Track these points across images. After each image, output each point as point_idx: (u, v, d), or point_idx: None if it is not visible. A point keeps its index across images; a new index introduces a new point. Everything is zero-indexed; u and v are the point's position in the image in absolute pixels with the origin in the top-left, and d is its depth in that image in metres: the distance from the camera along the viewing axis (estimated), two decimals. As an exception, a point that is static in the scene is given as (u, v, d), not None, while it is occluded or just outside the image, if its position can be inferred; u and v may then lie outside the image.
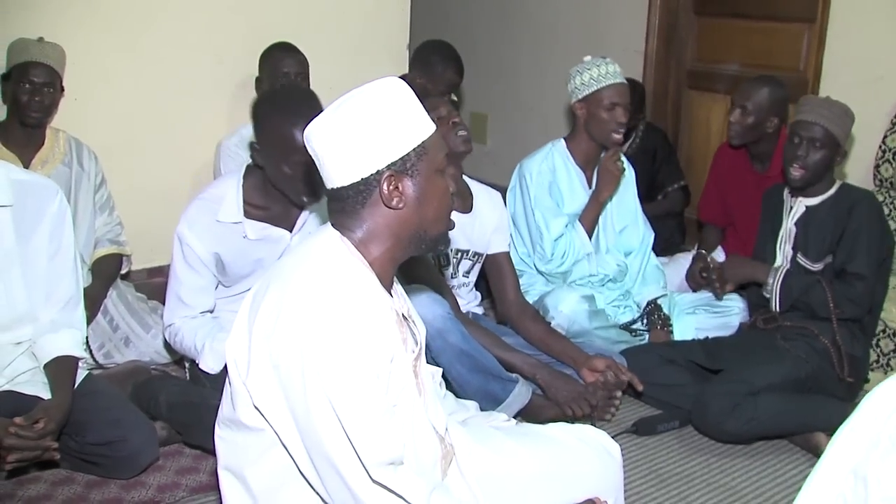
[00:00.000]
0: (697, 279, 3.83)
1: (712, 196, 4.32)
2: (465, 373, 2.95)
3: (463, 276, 3.45)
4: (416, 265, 3.11)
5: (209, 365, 2.90)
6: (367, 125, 1.79)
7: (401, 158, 1.82)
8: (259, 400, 1.80)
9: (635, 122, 4.72)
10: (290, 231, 2.96)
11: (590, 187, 3.80)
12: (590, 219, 3.76)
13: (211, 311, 3.01)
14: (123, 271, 3.75)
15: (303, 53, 3.98)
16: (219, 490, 1.98)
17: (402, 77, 4.44)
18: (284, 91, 3.17)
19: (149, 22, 4.05)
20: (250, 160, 2.92)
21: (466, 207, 3.35)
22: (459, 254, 3.37)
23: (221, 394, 2.66)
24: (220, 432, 1.96)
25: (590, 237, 3.76)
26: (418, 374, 1.99)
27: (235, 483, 1.93)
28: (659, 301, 3.85)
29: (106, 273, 3.60)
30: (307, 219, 2.97)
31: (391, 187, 1.82)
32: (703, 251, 4.05)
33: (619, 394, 3.22)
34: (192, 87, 4.20)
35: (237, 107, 4.17)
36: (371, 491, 1.74)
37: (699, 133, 5.44)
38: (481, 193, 3.44)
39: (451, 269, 3.39)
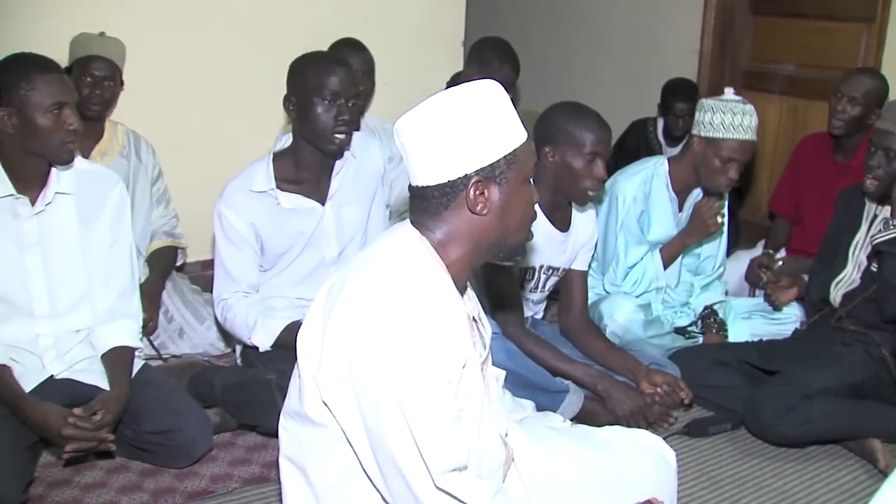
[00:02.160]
0: (756, 277, 3.78)
1: (786, 187, 4.24)
2: (513, 390, 2.92)
3: (546, 290, 3.41)
4: (498, 273, 3.09)
5: (260, 340, 2.95)
6: (461, 128, 1.78)
7: (490, 165, 1.81)
8: (328, 395, 1.79)
9: (688, 124, 4.68)
10: (322, 204, 3.04)
11: (681, 210, 3.67)
12: (670, 255, 3.63)
13: (257, 289, 3.08)
14: (178, 263, 3.81)
15: (369, 51, 3.96)
16: (276, 481, 1.99)
17: (458, 74, 4.48)
18: (319, 51, 3.28)
19: (206, 18, 4.10)
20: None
21: (565, 226, 3.27)
22: (550, 270, 3.31)
23: (275, 371, 2.75)
24: (284, 422, 1.96)
25: (665, 269, 3.65)
26: (485, 377, 1.99)
27: (297, 474, 1.93)
28: (716, 306, 3.80)
29: (162, 265, 3.65)
30: (337, 189, 3.06)
31: (477, 193, 1.81)
32: (770, 251, 4.00)
33: (675, 413, 3.21)
34: (249, 83, 4.24)
35: (293, 102, 4.19)
36: (434, 496, 1.74)
37: (754, 133, 5.39)
38: (580, 212, 3.32)
39: (533, 283, 3.33)
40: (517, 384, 2.92)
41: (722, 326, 3.74)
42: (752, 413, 3.12)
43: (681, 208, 3.69)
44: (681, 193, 3.65)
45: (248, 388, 2.91)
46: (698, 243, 3.74)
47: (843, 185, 3.59)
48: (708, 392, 3.33)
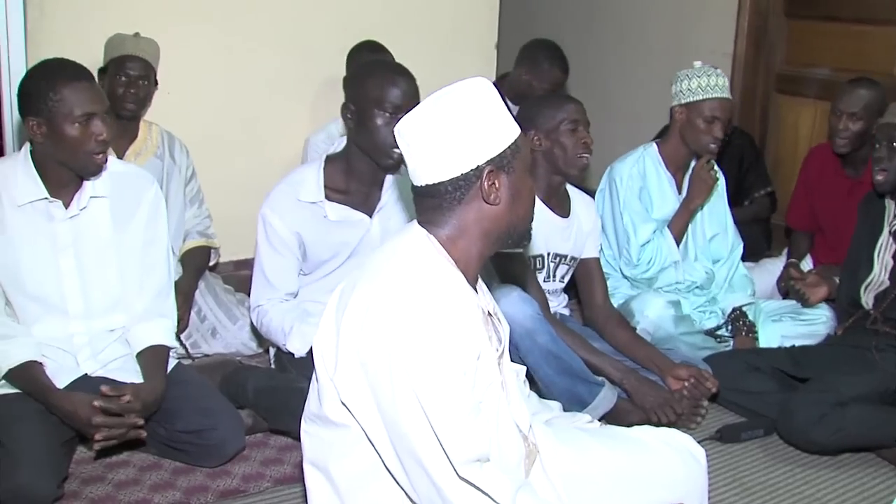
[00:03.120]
0: (788, 287, 3.78)
1: (801, 202, 4.23)
2: (553, 374, 2.95)
3: (559, 280, 3.43)
4: (512, 262, 3.13)
5: (296, 346, 2.95)
6: (468, 121, 1.82)
7: (499, 155, 1.85)
8: (346, 396, 1.82)
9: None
10: (370, 216, 3.01)
11: (680, 192, 3.77)
12: (679, 226, 3.72)
13: (295, 295, 3.07)
14: (212, 263, 3.84)
15: (390, 53, 3.98)
16: (304, 483, 2.01)
17: (506, 74, 4.49)
18: (382, 59, 3.27)
19: (239, 19, 4.12)
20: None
21: (564, 212, 3.34)
22: (558, 258, 3.35)
23: (307, 377, 2.73)
24: (305, 427, 1.98)
25: (678, 244, 3.72)
26: (502, 371, 2.00)
27: (320, 478, 1.95)
28: (745, 308, 3.79)
29: (195, 265, 3.67)
30: (386, 202, 3.03)
31: (490, 182, 1.84)
32: (794, 259, 3.98)
33: (705, 403, 3.20)
34: (281, 83, 4.26)
35: (324, 103, 4.21)
36: (457, 487, 1.75)
37: (787, 138, 5.35)
38: (577, 198, 3.43)
39: (545, 273, 3.36)
40: (558, 369, 2.95)
41: (752, 329, 3.73)
42: (784, 419, 3.09)
43: (679, 189, 3.78)
44: (677, 173, 3.77)
45: (280, 395, 2.92)
46: (700, 209, 3.80)
47: (857, 201, 3.59)
48: (740, 397, 3.32)
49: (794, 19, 5.30)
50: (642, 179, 3.73)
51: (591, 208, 3.50)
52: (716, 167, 3.76)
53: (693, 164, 3.75)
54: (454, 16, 4.68)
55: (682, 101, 3.63)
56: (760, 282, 4.08)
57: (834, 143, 3.88)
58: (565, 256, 3.37)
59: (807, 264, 4.12)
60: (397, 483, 1.86)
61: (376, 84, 2.82)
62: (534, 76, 4.37)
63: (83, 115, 2.54)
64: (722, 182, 3.86)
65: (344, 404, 1.83)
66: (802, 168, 4.28)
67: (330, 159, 3.02)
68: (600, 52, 6.31)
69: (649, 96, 5.69)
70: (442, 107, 1.84)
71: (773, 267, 4.21)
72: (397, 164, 2.90)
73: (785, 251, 4.33)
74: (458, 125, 1.82)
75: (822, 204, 4.09)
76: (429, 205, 1.90)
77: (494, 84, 1.92)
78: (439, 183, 1.86)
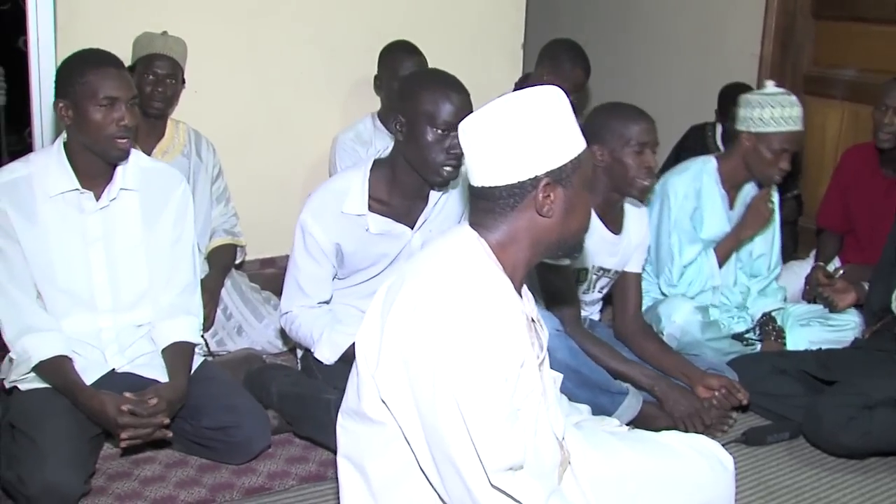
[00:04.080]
0: (815, 293, 3.75)
1: (834, 201, 4.19)
2: (573, 388, 2.90)
3: (598, 292, 3.40)
4: (554, 274, 3.09)
5: (325, 355, 2.93)
6: (532, 130, 1.82)
7: (559, 168, 1.84)
8: (386, 393, 1.82)
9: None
10: (412, 228, 2.98)
11: (731, 208, 3.69)
12: (725, 251, 3.64)
13: (327, 303, 3.05)
14: (238, 261, 3.85)
15: (423, 54, 3.99)
16: (333, 479, 2.01)
17: (528, 75, 4.48)
18: (435, 70, 3.21)
19: (267, 18, 4.13)
20: (369, 155, 2.96)
21: (617, 228, 3.27)
22: (601, 272, 3.31)
23: (333, 387, 2.72)
24: (342, 422, 1.99)
25: (720, 267, 3.66)
26: (542, 377, 2.00)
27: (355, 473, 1.95)
28: (774, 313, 3.76)
29: (221, 263, 3.69)
30: (429, 216, 2.99)
31: (545, 195, 1.84)
32: (821, 262, 3.95)
33: (733, 414, 3.19)
34: (309, 83, 4.28)
35: (353, 102, 4.23)
36: (489, 494, 1.75)
37: (814, 140, 5.29)
38: (632, 212, 3.33)
39: (586, 285, 3.32)
40: (578, 383, 2.92)
41: (780, 334, 3.70)
42: (811, 423, 3.07)
43: (732, 206, 3.70)
44: (731, 191, 3.68)
45: (305, 403, 2.91)
46: (751, 239, 3.73)
47: (894, 202, 3.55)
48: (766, 400, 3.29)
49: (821, 20, 5.26)
50: (697, 199, 3.62)
51: (644, 223, 3.39)
52: (774, 199, 3.69)
53: (747, 186, 3.68)
54: (481, 16, 4.67)
55: (752, 130, 3.49)
56: (787, 284, 4.05)
57: (877, 139, 3.82)
58: (609, 270, 3.32)
59: (833, 265, 4.09)
60: (430, 483, 1.86)
61: (430, 99, 2.72)
62: (555, 76, 4.34)
63: (105, 98, 2.58)
64: (776, 210, 3.77)
65: (383, 401, 1.84)
66: (838, 168, 4.24)
67: (376, 165, 2.94)
68: (627, 52, 6.29)
69: (675, 96, 5.67)
70: (509, 111, 1.83)
71: (801, 270, 4.18)
72: (445, 182, 2.85)
73: (812, 253, 4.30)
74: (521, 132, 1.81)
75: (857, 204, 4.05)
76: (482, 206, 1.90)
77: (516, 85, 1.90)
78: (495, 187, 1.85)
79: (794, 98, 3.50)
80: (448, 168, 2.77)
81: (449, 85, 2.76)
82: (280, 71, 4.20)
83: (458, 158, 2.73)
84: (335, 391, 2.69)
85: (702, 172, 3.64)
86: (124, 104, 2.61)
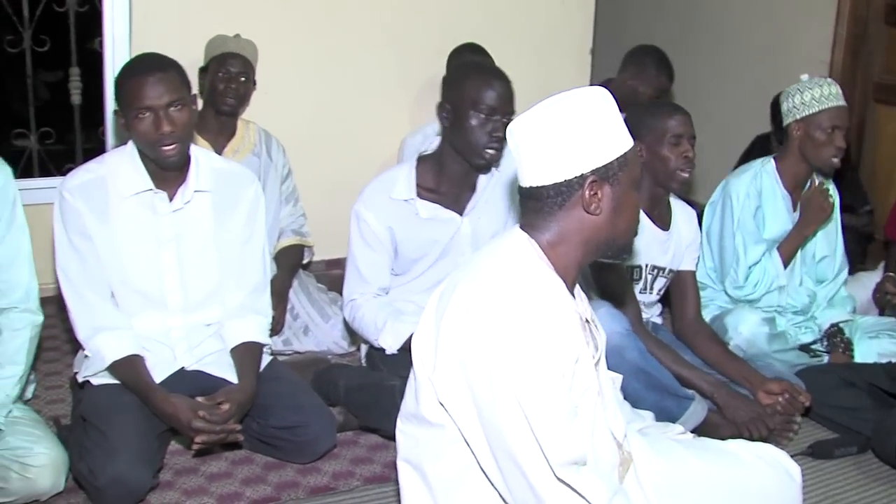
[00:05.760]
0: (883, 301, 3.69)
1: None
2: (641, 389, 2.90)
3: (656, 293, 3.39)
4: (610, 273, 3.11)
5: (388, 343, 2.96)
6: (578, 128, 1.83)
7: (605, 165, 1.85)
8: (444, 396, 1.83)
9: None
10: (461, 215, 3.04)
11: (795, 210, 3.66)
12: (789, 250, 3.61)
13: (387, 291, 3.10)
14: (305, 261, 3.88)
15: (490, 55, 4.00)
16: (396, 481, 2.02)
17: (610, 80, 4.47)
18: (479, 61, 3.31)
19: (335, 20, 4.18)
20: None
21: (665, 224, 3.30)
22: (656, 270, 3.31)
23: (398, 375, 2.74)
24: (401, 426, 2.00)
25: (785, 267, 3.62)
26: (599, 378, 2.00)
27: (415, 476, 1.97)
28: (842, 324, 3.70)
29: (289, 263, 3.72)
30: (477, 203, 3.06)
31: (592, 193, 1.85)
32: (892, 273, 3.89)
33: (798, 418, 3.14)
34: (378, 84, 4.31)
35: (421, 104, 4.26)
36: (554, 489, 1.75)
37: (885, 149, 5.20)
38: (679, 209, 3.37)
39: (641, 284, 3.32)
40: (646, 384, 2.92)
41: (848, 346, 3.63)
42: (880, 438, 3.02)
43: (794, 207, 3.67)
44: (794, 191, 3.65)
45: (372, 392, 2.94)
46: (813, 236, 3.69)
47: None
48: (834, 413, 3.24)
49: (894, 27, 5.16)
50: (759, 198, 3.61)
51: (693, 220, 3.42)
52: (832, 190, 3.66)
53: (810, 183, 3.66)
54: (549, 21, 4.68)
55: (798, 117, 3.50)
56: (856, 296, 3.99)
57: None
58: (663, 269, 3.32)
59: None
60: (491, 484, 1.86)
61: (473, 85, 2.87)
62: (640, 81, 4.34)
63: (139, 108, 2.56)
64: (837, 205, 3.74)
65: (441, 404, 1.85)
66: None
67: (422, 159, 3.06)
68: (695, 58, 6.22)
69: (744, 103, 5.60)
70: (554, 111, 1.85)
71: (869, 281, 4.11)
72: (489, 164, 2.95)
73: (881, 265, 4.23)
74: (566, 131, 1.83)
75: None
76: (531, 207, 1.91)
77: None
78: (542, 186, 1.87)
79: (829, 79, 3.56)
80: (491, 151, 2.89)
81: (491, 72, 2.95)
82: (350, 73, 4.24)
83: (501, 142, 2.86)
84: (399, 378, 2.72)
85: (761, 173, 3.64)
86: (161, 111, 2.56)
